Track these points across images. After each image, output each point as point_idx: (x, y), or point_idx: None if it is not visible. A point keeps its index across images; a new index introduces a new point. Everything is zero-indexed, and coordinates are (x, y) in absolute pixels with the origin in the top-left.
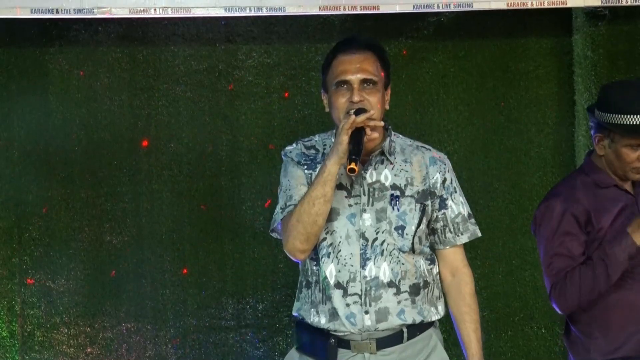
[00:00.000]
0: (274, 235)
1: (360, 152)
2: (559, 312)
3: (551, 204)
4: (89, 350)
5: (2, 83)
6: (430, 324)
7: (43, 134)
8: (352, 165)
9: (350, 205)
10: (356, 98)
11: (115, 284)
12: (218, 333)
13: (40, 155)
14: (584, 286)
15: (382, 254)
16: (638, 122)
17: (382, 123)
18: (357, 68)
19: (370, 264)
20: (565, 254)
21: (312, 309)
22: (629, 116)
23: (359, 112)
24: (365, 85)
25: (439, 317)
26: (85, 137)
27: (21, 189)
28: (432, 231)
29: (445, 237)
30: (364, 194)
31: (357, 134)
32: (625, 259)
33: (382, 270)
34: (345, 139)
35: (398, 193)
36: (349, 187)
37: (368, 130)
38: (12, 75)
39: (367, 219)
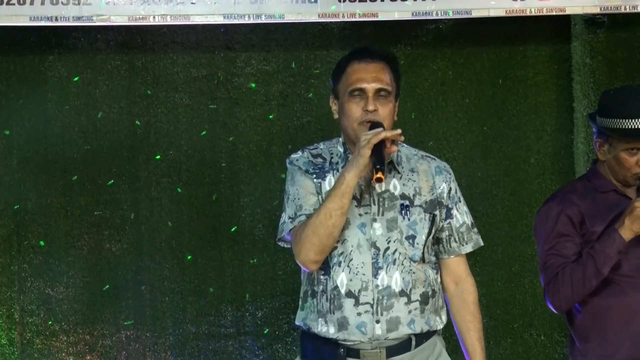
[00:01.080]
0: (281, 244)
1: (384, 162)
2: (554, 309)
3: (548, 207)
4: (88, 358)
5: (1, 90)
6: (435, 331)
7: (42, 141)
8: (379, 175)
9: (360, 215)
10: (371, 107)
11: (115, 291)
12: (217, 340)
13: (40, 162)
14: (575, 282)
15: (394, 263)
16: (634, 127)
17: (402, 137)
18: (373, 77)
19: (382, 273)
20: (559, 254)
21: (320, 319)
22: (625, 120)
23: (375, 126)
24: (379, 95)
25: (442, 326)
26: (84, 144)
27: (20, 196)
28: (436, 240)
29: (450, 247)
30: (374, 204)
31: (378, 147)
32: (614, 254)
33: (394, 279)
34: (367, 152)
35: (407, 203)
36: (359, 197)
37: (388, 143)
38: (11, 82)
39: (378, 228)
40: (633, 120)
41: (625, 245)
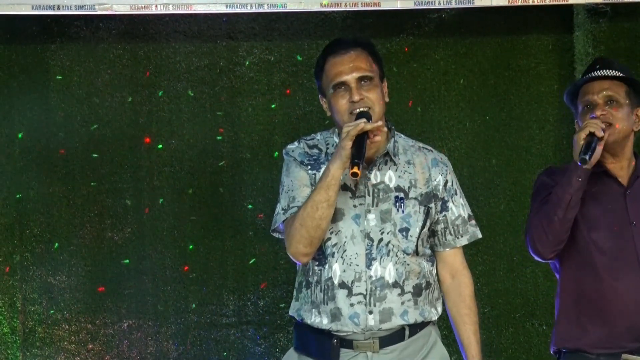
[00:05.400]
0: (275, 235)
1: (363, 156)
2: (533, 254)
3: (537, 179)
4: (90, 346)
5: (3, 80)
6: (429, 322)
7: (44, 131)
8: (355, 169)
9: (354, 206)
10: (356, 97)
11: (116, 280)
12: (219, 330)
13: (42, 151)
14: (545, 216)
15: (388, 254)
16: (583, 79)
17: (386, 129)
18: (351, 67)
19: (375, 264)
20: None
21: (313, 310)
22: (578, 82)
23: (361, 115)
24: (362, 82)
25: (437, 317)
26: (86, 133)
27: (22, 185)
28: (432, 233)
29: (446, 239)
30: (369, 195)
31: (360, 138)
32: (574, 181)
33: (388, 270)
34: (349, 144)
35: (402, 195)
36: (354, 188)
37: (371, 134)
38: (13, 72)
39: (372, 219)
40: (582, 78)
41: (584, 172)
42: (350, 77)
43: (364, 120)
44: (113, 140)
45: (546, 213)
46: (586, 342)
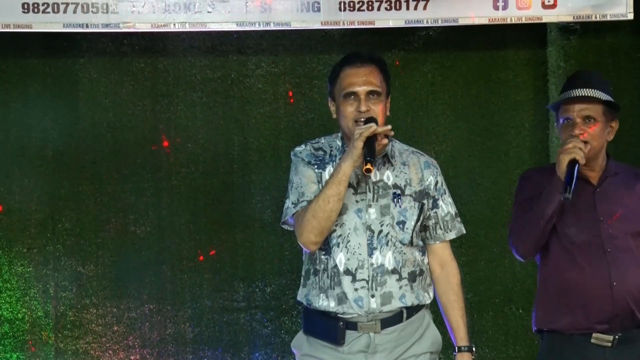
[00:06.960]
0: (285, 227)
1: (374, 155)
2: (516, 254)
3: (518, 182)
4: (115, 328)
5: (37, 90)
6: (423, 305)
7: (74, 136)
8: (369, 166)
9: (357, 201)
10: (363, 108)
11: (139, 269)
12: (230, 313)
13: (72, 154)
14: (527, 224)
15: (387, 244)
16: (565, 97)
17: (392, 132)
18: (363, 81)
19: (376, 253)
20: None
21: (321, 294)
22: (562, 95)
23: (369, 121)
24: (370, 96)
25: (430, 301)
26: (111, 138)
27: (55, 184)
28: (424, 228)
29: (436, 233)
30: (370, 191)
31: (370, 140)
32: (555, 198)
33: (387, 258)
34: (360, 144)
35: (399, 192)
36: (356, 185)
37: (379, 137)
38: (46, 83)
39: (373, 213)
40: (564, 93)
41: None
42: (361, 90)
43: (374, 124)
44: (135, 144)
45: (529, 222)
46: (561, 324)
